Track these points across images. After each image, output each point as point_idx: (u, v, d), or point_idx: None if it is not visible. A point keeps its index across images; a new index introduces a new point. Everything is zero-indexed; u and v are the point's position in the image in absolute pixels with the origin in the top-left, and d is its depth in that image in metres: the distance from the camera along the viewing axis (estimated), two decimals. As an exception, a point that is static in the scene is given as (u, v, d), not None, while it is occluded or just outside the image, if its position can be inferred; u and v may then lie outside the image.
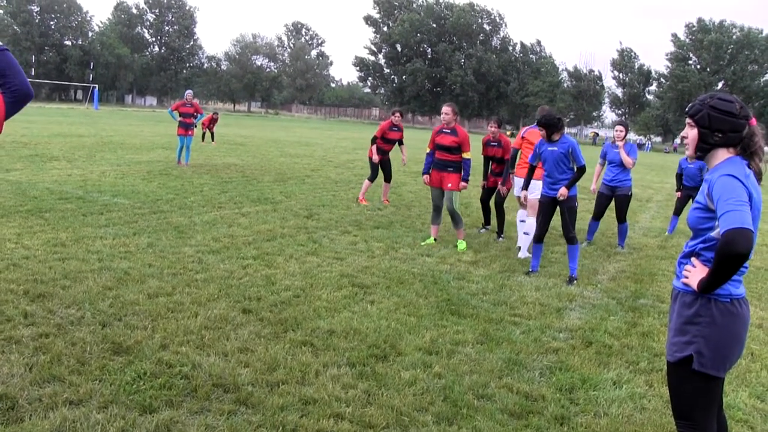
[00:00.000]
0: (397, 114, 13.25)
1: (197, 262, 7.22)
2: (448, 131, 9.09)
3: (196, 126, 17.69)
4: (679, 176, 12.36)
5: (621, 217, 10.35)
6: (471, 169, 9.25)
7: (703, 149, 2.99)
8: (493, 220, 10.77)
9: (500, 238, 10.21)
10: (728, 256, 2.60)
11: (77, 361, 4.36)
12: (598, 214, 10.43)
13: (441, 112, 9.20)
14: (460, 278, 7.48)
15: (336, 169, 19.22)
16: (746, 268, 2.91)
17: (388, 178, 13.17)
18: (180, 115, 17.05)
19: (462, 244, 9.02)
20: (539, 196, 8.34)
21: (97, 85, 70.65)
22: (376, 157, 12.77)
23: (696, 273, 2.87)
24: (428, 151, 9.32)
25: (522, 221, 9.40)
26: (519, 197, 8.99)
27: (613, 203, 10.38)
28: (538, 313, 6.38)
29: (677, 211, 12.38)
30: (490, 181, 10.56)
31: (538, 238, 8.20)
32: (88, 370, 4.25)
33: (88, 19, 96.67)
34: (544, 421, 4.12)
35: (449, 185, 9.06)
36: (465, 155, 9.05)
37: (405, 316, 5.91)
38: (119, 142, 22.83)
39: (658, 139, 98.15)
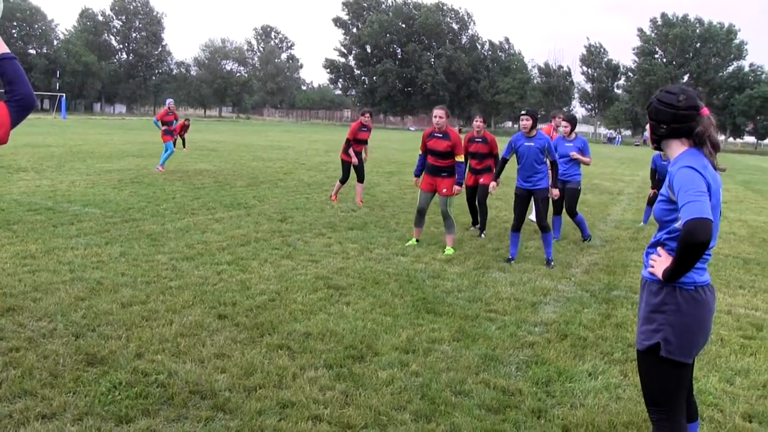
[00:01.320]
0: (367, 114, 13.34)
1: (171, 269, 7.17)
2: (440, 135, 8.89)
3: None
4: (654, 172, 12.51)
5: (572, 212, 10.32)
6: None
7: (655, 140, 3.13)
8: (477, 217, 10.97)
9: (482, 235, 10.29)
10: (689, 246, 2.68)
11: (50, 374, 4.31)
12: (557, 210, 10.47)
13: (433, 115, 8.97)
14: (435, 276, 7.51)
15: (309, 172, 19.18)
16: (709, 255, 3.00)
17: (361, 179, 13.21)
18: (163, 124, 17.91)
19: (450, 250, 8.88)
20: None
21: (64, 94, 69.71)
22: (355, 160, 12.91)
23: (661, 262, 2.94)
24: (420, 153, 9.27)
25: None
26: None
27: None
28: (514, 308, 6.43)
29: (650, 202, 12.56)
30: (470, 179, 10.60)
31: (516, 228, 8.58)
32: (61, 383, 4.20)
33: (53, 26, 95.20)
34: (522, 415, 4.16)
35: (444, 190, 8.95)
36: (458, 158, 8.89)
37: (381, 316, 5.92)
38: (89, 151, 22.58)
39: (628, 132, 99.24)
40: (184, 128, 26.50)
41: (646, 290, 3.10)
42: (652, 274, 3.01)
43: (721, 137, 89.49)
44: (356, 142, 13.00)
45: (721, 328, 6.17)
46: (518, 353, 5.23)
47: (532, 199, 8.62)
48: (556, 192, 8.70)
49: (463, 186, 9.49)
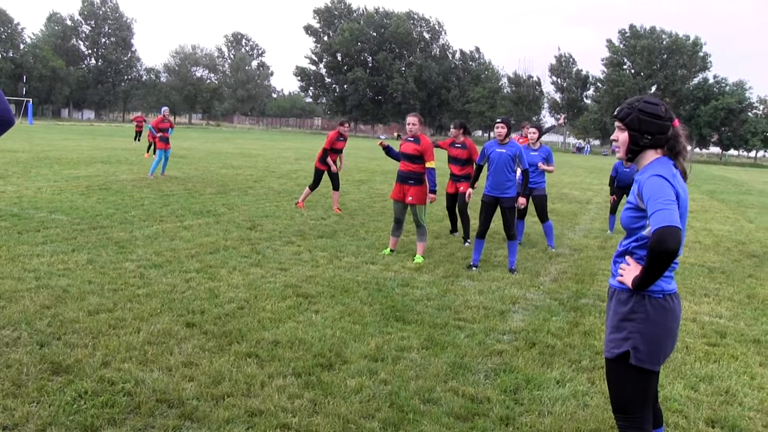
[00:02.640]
0: (346, 125, 13.50)
1: (139, 276, 7.10)
2: (412, 140, 8.97)
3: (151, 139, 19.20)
4: (613, 179, 12.70)
5: (543, 217, 10.56)
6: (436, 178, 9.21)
7: (634, 151, 3.12)
8: (457, 225, 11.14)
9: (467, 243, 10.36)
10: (659, 254, 2.72)
11: (13, 384, 4.23)
12: (520, 214, 10.59)
13: (406, 122, 9.03)
14: (405, 285, 7.53)
15: (279, 180, 19.12)
16: (677, 264, 3.05)
17: (336, 187, 13.28)
18: (158, 131, 18.43)
19: (419, 259, 8.87)
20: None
21: (30, 99, 68.61)
22: (334, 168, 13.07)
23: (630, 271, 2.98)
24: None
25: None
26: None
27: (532, 206, 10.62)
28: (482, 317, 6.47)
29: (613, 210, 12.78)
30: (450, 186, 10.64)
31: (480, 235, 8.65)
32: (24, 393, 4.13)
33: (20, 30, 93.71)
34: (490, 423, 4.18)
35: (410, 198, 8.93)
36: (428, 164, 8.87)
37: (350, 324, 5.92)
38: (56, 157, 22.26)
39: (597, 142, 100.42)
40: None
41: (614, 299, 3.13)
42: (621, 282, 3.05)
43: (688, 147, 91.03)
44: (332, 152, 13.14)
45: (687, 336, 6.28)
46: (487, 361, 5.27)
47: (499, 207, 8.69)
48: (522, 200, 8.77)
49: (444, 193, 9.57)
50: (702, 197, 23.17)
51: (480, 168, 8.95)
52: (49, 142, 31.64)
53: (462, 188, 10.50)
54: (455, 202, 10.90)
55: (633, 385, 3.05)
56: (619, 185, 12.60)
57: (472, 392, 4.61)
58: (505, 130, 8.55)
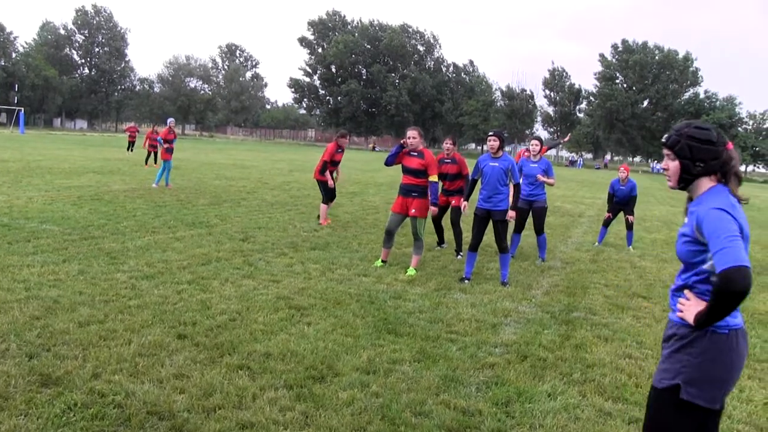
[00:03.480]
0: (346, 137, 13.56)
1: (130, 288, 7.07)
2: (415, 154, 8.99)
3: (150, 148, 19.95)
4: (611, 196, 12.78)
5: (539, 229, 10.63)
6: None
7: (686, 180, 2.94)
8: (444, 237, 11.24)
9: (459, 256, 10.37)
10: (727, 295, 2.55)
11: (0, 396, 4.21)
12: (518, 228, 10.72)
13: (407, 136, 9.06)
14: (397, 297, 7.53)
15: (272, 192, 19.11)
16: None
17: (328, 200, 13.24)
18: (165, 142, 19.07)
19: (412, 271, 8.85)
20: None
21: (23, 108, 68.48)
22: (330, 182, 13.01)
23: (691, 307, 2.80)
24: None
25: None
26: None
27: (530, 217, 10.68)
28: (474, 329, 6.47)
29: (606, 223, 12.84)
30: (441, 199, 10.59)
31: (473, 248, 8.69)
32: (12, 405, 4.10)
33: (12, 39, 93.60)
34: (481, 436, 4.18)
35: (413, 211, 8.99)
36: (431, 178, 8.94)
37: (342, 337, 5.91)
38: (47, 166, 22.20)
39: (590, 155, 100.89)
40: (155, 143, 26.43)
41: (672, 330, 2.96)
42: (681, 318, 2.87)
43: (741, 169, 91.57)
44: (331, 164, 13.18)
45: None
46: (479, 374, 5.26)
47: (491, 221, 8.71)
48: (512, 214, 8.75)
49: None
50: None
51: (474, 182, 8.99)
52: (40, 151, 31.56)
53: (454, 202, 10.54)
54: (442, 215, 10.93)
55: (677, 421, 2.85)
56: (618, 202, 12.68)
57: (463, 405, 4.60)
58: (498, 143, 8.60)
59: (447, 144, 10.69)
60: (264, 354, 5.31)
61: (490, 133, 8.74)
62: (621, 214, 12.90)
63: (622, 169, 12.67)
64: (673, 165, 2.95)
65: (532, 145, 10.78)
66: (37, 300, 6.32)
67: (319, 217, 13.24)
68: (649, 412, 2.99)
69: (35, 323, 5.64)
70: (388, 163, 9.28)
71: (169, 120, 20.38)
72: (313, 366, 5.11)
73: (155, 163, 25.51)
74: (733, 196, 2.85)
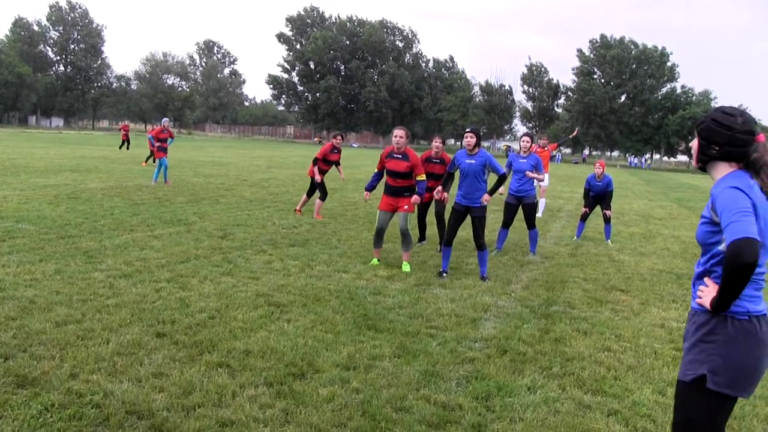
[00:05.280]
0: (339, 137, 14.04)
1: (108, 287, 7.01)
2: (400, 156, 8.94)
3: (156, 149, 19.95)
4: (587, 192, 12.87)
5: (531, 224, 10.73)
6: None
7: (702, 160, 3.00)
8: (426, 234, 11.31)
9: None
10: (735, 267, 2.55)
11: (-22, 396, 4.15)
12: (506, 223, 10.79)
13: (393, 135, 9.02)
14: (377, 293, 7.53)
15: (251, 189, 19.03)
16: (763, 281, 2.86)
17: (323, 197, 13.55)
18: (158, 140, 19.61)
19: (407, 266, 8.91)
20: (547, 184, 8.99)
21: (-4, 106, 67.54)
22: (318, 177, 13.35)
23: (709, 292, 2.81)
24: (376, 171, 9.34)
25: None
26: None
27: (520, 212, 10.74)
28: (454, 324, 6.49)
29: (583, 218, 12.92)
30: (425, 196, 10.55)
31: (447, 243, 8.76)
32: (-10, 405, 4.05)
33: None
34: (462, 430, 4.20)
35: (405, 207, 8.98)
36: (419, 178, 8.96)
37: (322, 333, 5.90)
38: (23, 165, 21.93)
39: (568, 150, 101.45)
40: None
41: (693, 319, 2.96)
42: (700, 305, 2.87)
43: (656, 156, 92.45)
44: (325, 163, 13.58)
45: (655, 342, 6.36)
46: (458, 369, 5.28)
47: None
48: (487, 197, 8.65)
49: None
50: (671, 204, 23.52)
51: (451, 176, 9.01)
52: (15, 150, 31.18)
53: (437, 196, 10.51)
54: (425, 211, 10.96)
55: (705, 410, 2.84)
56: (594, 197, 12.76)
57: (443, 400, 4.62)
58: (474, 139, 8.59)
59: (437, 143, 10.67)
60: (244, 351, 5.29)
61: (467, 130, 8.71)
62: (598, 208, 13.01)
63: (597, 165, 12.75)
64: (695, 143, 3.04)
65: (523, 141, 10.82)
66: (12, 300, 6.24)
67: (297, 210, 13.89)
68: (678, 408, 2.97)
69: (11, 324, 5.58)
70: (370, 187, 9.33)
71: (163, 120, 21.32)
72: (293, 363, 5.10)
73: (153, 162, 25.27)
74: (753, 180, 2.84)
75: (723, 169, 2.93)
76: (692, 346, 2.90)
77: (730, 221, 2.62)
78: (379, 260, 9.28)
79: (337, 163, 14.03)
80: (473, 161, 8.58)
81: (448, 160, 10.58)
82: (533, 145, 11.65)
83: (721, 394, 2.79)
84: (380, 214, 9.18)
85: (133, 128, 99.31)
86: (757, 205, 2.73)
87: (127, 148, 35.07)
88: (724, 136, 2.88)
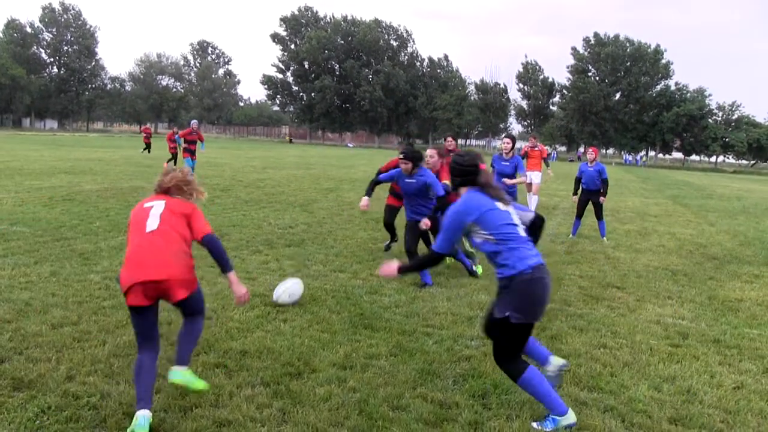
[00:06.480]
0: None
1: (104, 288, 7.01)
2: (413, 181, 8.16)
3: (194, 152, 21.27)
4: (578, 180, 12.89)
5: None
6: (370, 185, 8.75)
7: (454, 186, 4.60)
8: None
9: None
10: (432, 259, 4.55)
11: (-26, 400, 4.15)
12: None
13: (427, 155, 8.55)
14: (373, 292, 7.54)
15: (246, 189, 19.01)
16: (529, 248, 4.31)
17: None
18: (185, 142, 20.74)
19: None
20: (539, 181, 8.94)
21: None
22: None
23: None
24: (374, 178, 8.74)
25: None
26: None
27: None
28: (450, 323, 6.50)
29: (579, 215, 12.93)
30: (391, 199, 10.06)
31: (409, 253, 8.24)
32: (-14, 408, 4.05)
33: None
34: (459, 428, 4.21)
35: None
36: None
37: (318, 333, 5.91)
38: (17, 167, 21.87)
39: (563, 148, 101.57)
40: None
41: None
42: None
43: (651, 153, 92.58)
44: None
45: (651, 338, 6.38)
46: (455, 367, 5.30)
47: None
48: (426, 222, 7.94)
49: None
50: (666, 202, 23.57)
51: (377, 183, 8.65)
52: (9, 152, 31.09)
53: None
54: (395, 215, 10.16)
55: (511, 337, 4.27)
56: (585, 187, 12.77)
57: (440, 398, 4.63)
58: (410, 165, 8.03)
59: (449, 141, 10.57)
60: (240, 352, 5.30)
61: (401, 156, 8.14)
62: (590, 206, 12.91)
63: (590, 150, 12.79)
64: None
65: (504, 143, 10.60)
66: (8, 303, 6.24)
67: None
68: (495, 339, 4.37)
69: (6, 326, 5.58)
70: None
71: (192, 122, 22.16)
72: (290, 362, 5.12)
73: (174, 164, 25.21)
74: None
75: (464, 190, 4.48)
76: (497, 296, 4.32)
77: (443, 231, 4.36)
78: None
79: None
80: (413, 181, 8.14)
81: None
82: (524, 146, 11.61)
83: (520, 323, 4.15)
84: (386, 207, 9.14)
85: (128, 130, 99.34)
86: (483, 209, 4.26)
87: (149, 152, 35.03)
88: (458, 171, 4.49)
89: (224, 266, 4.68)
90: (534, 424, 4.27)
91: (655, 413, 4.62)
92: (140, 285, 4.05)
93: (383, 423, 4.19)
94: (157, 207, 4.35)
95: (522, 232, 4.36)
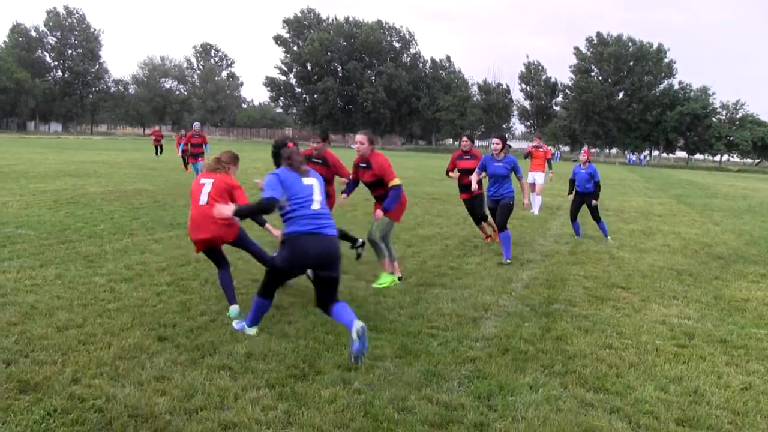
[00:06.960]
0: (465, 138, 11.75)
1: (109, 291, 7.02)
2: (364, 165, 8.01)
3: (202, 155, 20.73)
4: (572, 181, 12.93)
5: (502, 225, 10.00)
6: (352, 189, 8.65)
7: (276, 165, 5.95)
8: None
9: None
10: (261, 209, 5.61)
11: (-20, 403, 4.16)
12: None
13: (355, 140, 8.05)
14: (377, 294, 7.53)
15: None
16: (303, 218, 5.50)
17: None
18: (191, 146, 20.71)
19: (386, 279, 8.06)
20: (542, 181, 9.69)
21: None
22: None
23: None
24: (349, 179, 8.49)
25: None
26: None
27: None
28: (455, 324, 6.49)
29: (573, 218, 12.87)
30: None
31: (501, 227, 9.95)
32: (-8, 411, 4.06)
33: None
34: (464, 430, 4.20)
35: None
36: (392, 183, 7.82)
37: (323, 335, 5.91)
38: (22, 171, 21.92)
39: (567, 148, 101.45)
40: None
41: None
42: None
43: (655, 152, 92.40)
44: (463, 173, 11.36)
45: (656, 338, 6.36)
46: (460, 368, 5.29)
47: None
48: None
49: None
50: (670, 201, 23.52)
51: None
52: (14, 155, 31.17)
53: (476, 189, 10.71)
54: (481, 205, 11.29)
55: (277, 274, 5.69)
56: (578, 189, 12.77)
57: (446, 399, 4.62)
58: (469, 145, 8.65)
59: (465, 140, 11.37)
60: (245, 354, 5.30)
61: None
62: (585, 207, 12.85)
63: (582, 152, 12.78)
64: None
65: (494, 144, 10.18)
66: (13, 306, 6.25)
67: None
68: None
69: (12, 329, 5.59)
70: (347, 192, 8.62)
71: (194, 124, 21.92)
72: (295, 365, 5.11)
73: (185, 168, 25.23)
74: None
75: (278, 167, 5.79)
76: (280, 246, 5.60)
77: (264, 191, 5.53)
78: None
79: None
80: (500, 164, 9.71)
81: (479, 155, 10.81)
82: (529, 146, 11.53)
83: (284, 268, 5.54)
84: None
85: (131, 132, 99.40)
86: (282, 179, 5.57)
87: (160, 153, 35.03)
88: (273, 153, 5.94)
89: (259, 224, 7.46)
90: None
91: (662, 414, 4.60)
92: (197, 241, 6.40)
93: (388, 425, 4.18)
94: (207, 186, 6.45)
95: (317, 205, 5.58)
